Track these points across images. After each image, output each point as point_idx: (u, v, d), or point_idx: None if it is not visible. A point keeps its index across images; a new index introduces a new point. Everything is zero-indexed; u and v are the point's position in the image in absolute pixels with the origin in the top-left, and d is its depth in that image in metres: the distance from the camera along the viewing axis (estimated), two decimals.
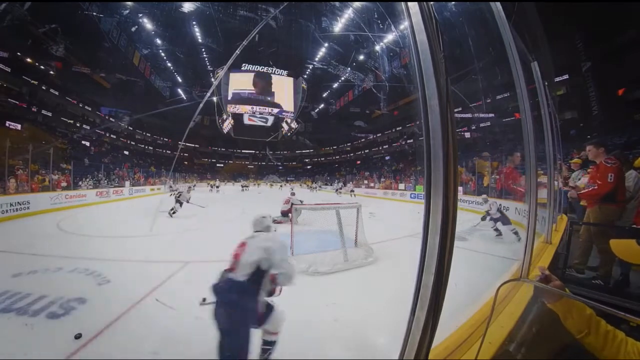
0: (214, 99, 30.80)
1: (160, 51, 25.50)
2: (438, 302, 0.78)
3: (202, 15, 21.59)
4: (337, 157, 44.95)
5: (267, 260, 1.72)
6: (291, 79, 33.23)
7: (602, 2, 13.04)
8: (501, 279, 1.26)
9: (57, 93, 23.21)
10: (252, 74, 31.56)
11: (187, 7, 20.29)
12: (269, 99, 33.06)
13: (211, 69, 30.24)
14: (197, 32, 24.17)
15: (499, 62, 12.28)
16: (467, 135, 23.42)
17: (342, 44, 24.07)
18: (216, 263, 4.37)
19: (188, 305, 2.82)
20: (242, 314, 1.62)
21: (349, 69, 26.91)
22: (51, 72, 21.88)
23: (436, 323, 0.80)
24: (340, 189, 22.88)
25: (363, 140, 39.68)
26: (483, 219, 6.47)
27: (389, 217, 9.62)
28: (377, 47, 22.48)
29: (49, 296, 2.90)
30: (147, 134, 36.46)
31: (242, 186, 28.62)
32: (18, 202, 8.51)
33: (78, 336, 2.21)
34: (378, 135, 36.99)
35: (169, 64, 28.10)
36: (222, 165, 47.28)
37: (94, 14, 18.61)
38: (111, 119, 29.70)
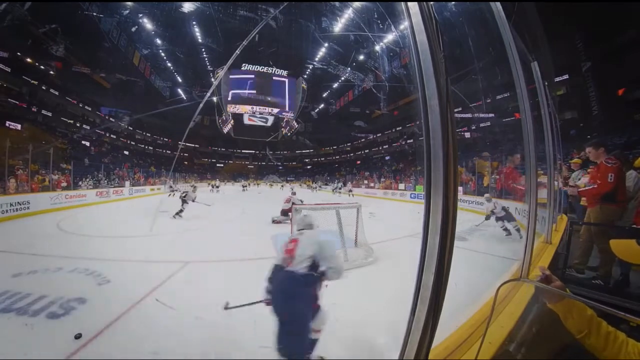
0: (214, 99, 30.82)
1: (160, 51, 25.53)
2: (438, 302, 0.78)
3: (202, 15, 21.62)
4: (337, 157, 44.95)
5: (320, 255, 1.81)
6: (291, 79, 33.25)
7: (602, 2, 13.03)
8: (501, 279, 1.26)
9: (57, 93, 23.21)
10: (252, 74, 31.61)
11: (187, 7, 20.31)
12: (269, 99, 33.07)
13: (211, 69, 30.27)
14: (197, 32, 24.20)
15: (499, 62, 12.30)
16: (467, 135, 23.41)
17: (342, 44, 24.09)
18: (216, 263, 4.39)
19: (188, 306, 2.83)
20: (304, 304, 1.71)
21: (349, 69, 26.93)
22: (51, 72, 21.87)
23: (436, 323, 0.80)
24: (340, 188, 22.87)
25: (363, 140, 39.67)
26: (487, 218, 6.48)
27: (389, 217, 9.62)
28: (377, 47, 22.49)
29: (49, 296, 2.90)
30: (147, 134, 36.45)
31: (243, 186, 28.67)
32: (18, 202, 8.51)
33: (78, 336, 2.21)
34: (378, 135, 36.99)
35: (169, 64, 28.12)
36: (222, 165, 47.29)
37: (94, 14, 18.63)
38: (111, 119, 29.69)
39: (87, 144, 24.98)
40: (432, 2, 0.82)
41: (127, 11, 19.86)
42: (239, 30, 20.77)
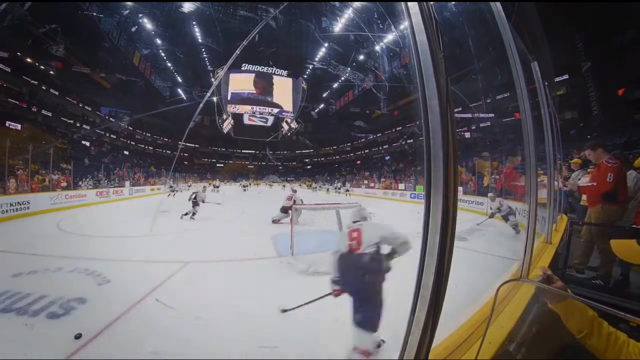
0: (214, 99, 30.82)
1: (160, 51, 25.51)
2: (438, 302, 0.78)
3: (202, 15, 21.59)
4: (337, 157, 44.97)
5: (385, 239, 2.05)
6: (291, 79, 33.24)
7: (602, 2, 13.03)
8: (501, 279, 1.26)
9: (57, 93, 23.22)
10: (253, 74, 31.57)
11: (187, 7, 20.29)
12: (269, 99, 33.07)
13: (211, 69, 30.26)
14: (197, 32, 24.17)
15: (499, 62, 12.28)
16: (467, 135, 23.42)
17: (342, 44, 24.06)
18: (216, 263, 4.39)
19: (188, 306, 2.83)
20: (377, 278, 1.95)
21: (349, 69, 26.91)
22: (51, 72, 21.88)
23: (436, 323, 0.80)
24: (339, 188, 22.84)
25: (363, 140, 39.68)
26: (491, 216, 6.53)
27: (389, 217, 9.61)
28: (377, 47, 22.47)
29: (49, 296, 2.90)
30: (147, 134, 36.46)
31: (243, 186, 28.69)
32: (18, 202, 8.51)
33: (78, 336, 2.21)
34: (378, 135, 36.99)
35: (169, 64, 28.10)
36: (222, 165, 47.31)
37: (94, 14, 18.62)
38: (111, 119, 29.71)
39: (87, 144, 25.00)
40: (432, 2, 0.82)
41: (127, 11, 19.85)
42: (239, 30, 20.74)
